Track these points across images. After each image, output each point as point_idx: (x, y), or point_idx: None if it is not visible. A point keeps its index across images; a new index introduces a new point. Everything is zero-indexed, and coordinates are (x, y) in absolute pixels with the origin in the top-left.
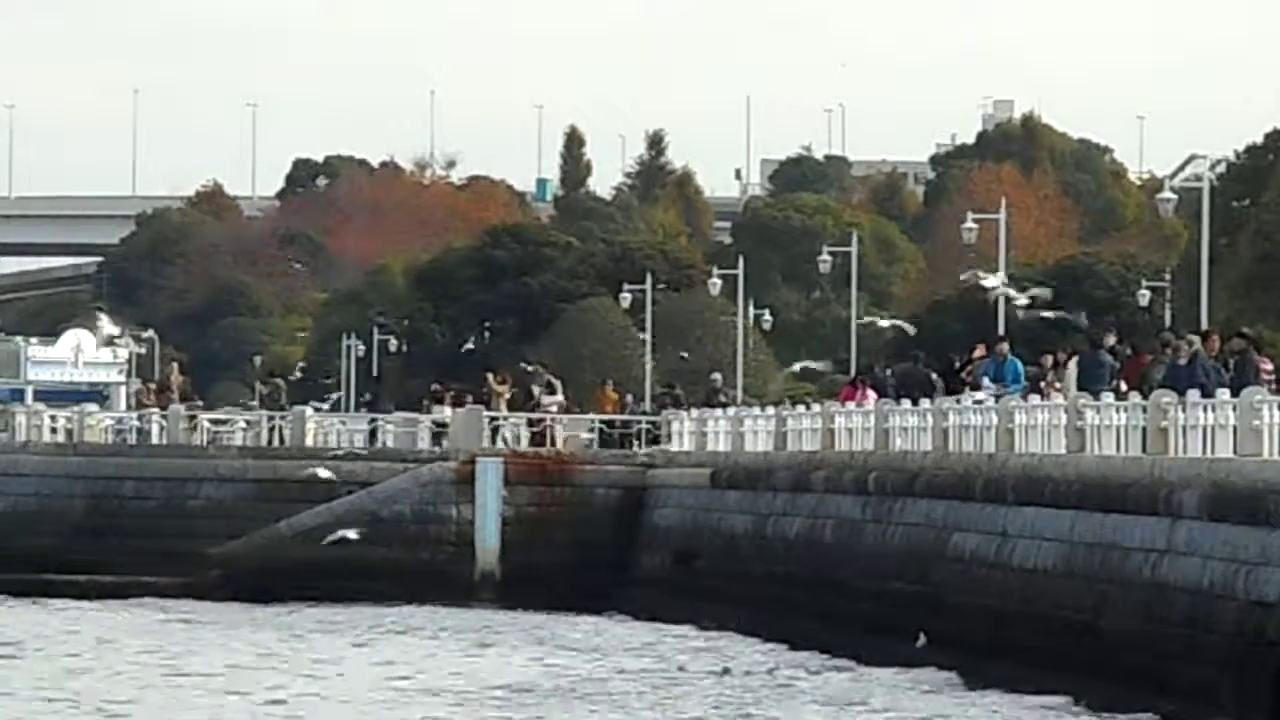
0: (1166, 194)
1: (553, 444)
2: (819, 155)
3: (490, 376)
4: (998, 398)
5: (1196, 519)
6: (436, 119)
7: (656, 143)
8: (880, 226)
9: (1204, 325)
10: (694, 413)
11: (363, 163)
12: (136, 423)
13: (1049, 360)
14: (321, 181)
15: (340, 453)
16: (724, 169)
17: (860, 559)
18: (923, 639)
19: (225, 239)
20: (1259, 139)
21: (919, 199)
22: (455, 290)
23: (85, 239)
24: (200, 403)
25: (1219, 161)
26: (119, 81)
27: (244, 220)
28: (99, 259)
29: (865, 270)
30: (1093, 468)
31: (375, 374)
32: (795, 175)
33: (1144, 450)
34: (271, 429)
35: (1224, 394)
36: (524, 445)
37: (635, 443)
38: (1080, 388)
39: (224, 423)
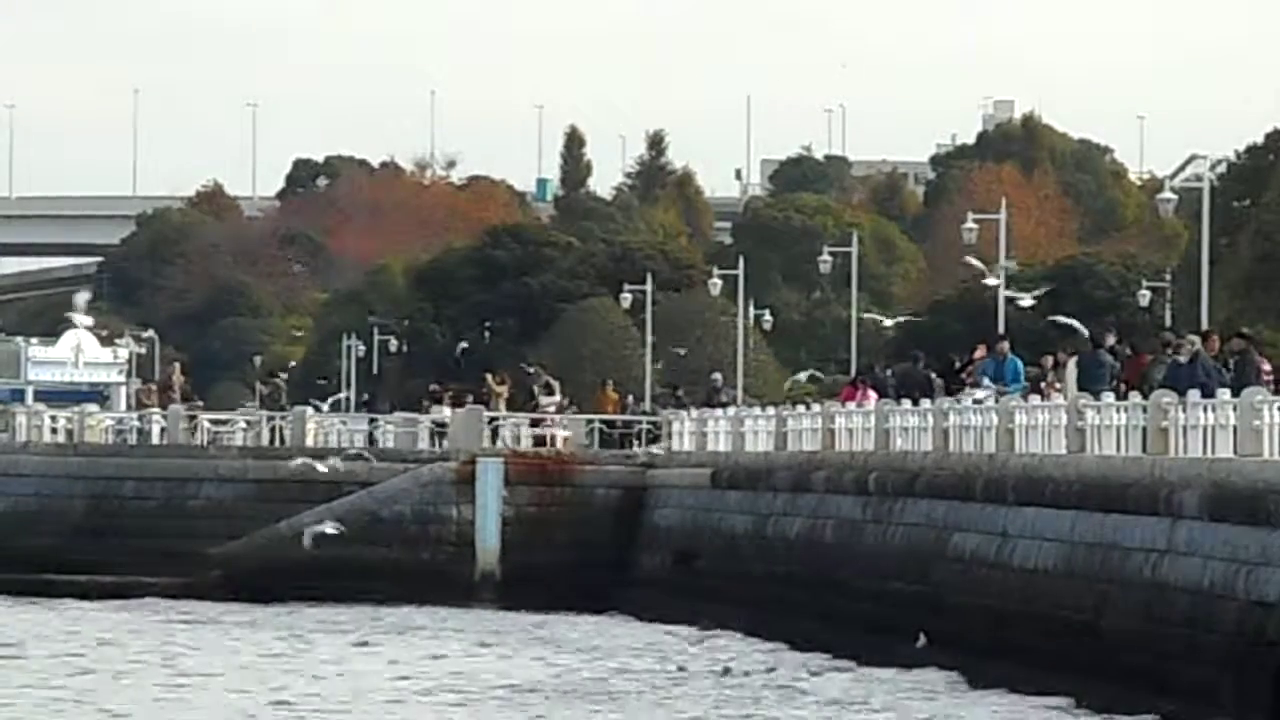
0: (1167, 194)
1: (552, 444)
2: (819, 155)
3: (489, 377)
4: (998, 398)
5: (1197, 519)
6: (436, 119)
7: (656, 143)
8: (880, 227)
9: (1204, 325)
10: (694, 413)
11: (363, 163)
12: (137, 423)
13: (1049, 360)
14: (321, 181)
15: (350, 452)
16: (724, 169)
17: (861, 559)
18: (923, 639)
19: (225, 239)
20: (1259, 139)
21: (919, 199)
22: (455, 290)
23: (85, 239)
24: (200, 403)
25: (1219, 161)
26: (119, 81)
27: (244, 220)
28: (99, 259)
29: (865, 270)
30: (1093, 468)
31: (375, 374)
32: (795, 175)
33: (1144, 450)
34: (272, 429)
35: (1224, 394)
36: (526, 445)
37: (635, 443)
38: (1080, 388)
39: (224, 423)
